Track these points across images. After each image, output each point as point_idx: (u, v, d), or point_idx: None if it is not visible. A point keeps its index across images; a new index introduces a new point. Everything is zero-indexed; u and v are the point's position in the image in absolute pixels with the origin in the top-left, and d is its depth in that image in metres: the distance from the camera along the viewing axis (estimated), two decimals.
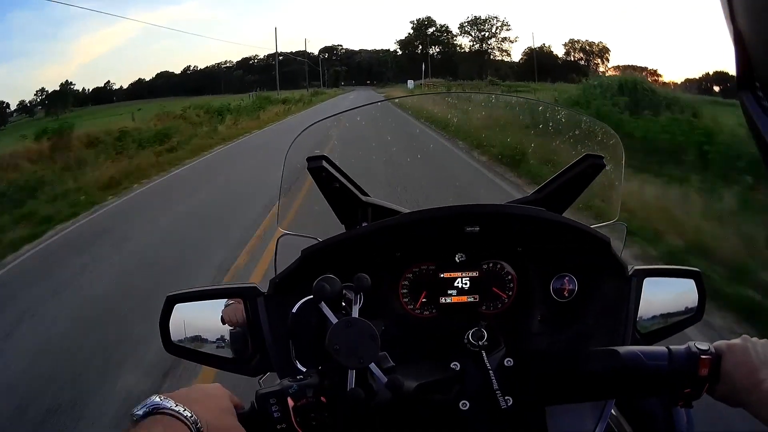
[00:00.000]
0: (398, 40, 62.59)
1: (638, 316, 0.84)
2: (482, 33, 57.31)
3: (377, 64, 62.59)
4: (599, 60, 52.99)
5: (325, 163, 0.85)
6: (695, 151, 7.02)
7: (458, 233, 0.81)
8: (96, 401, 2.48)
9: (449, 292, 0.86)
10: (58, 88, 42.10)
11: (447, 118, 10.36)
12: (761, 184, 4.92)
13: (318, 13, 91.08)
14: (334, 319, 0.61)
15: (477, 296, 0.86)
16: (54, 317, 3.56)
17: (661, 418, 0.81)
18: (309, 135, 0.93)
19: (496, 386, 0.66)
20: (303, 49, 61.82)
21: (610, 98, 11.84)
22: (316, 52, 63.85)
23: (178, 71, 58.68)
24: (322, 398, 0.60)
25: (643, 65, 49.37)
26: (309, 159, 0.85)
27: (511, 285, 0.87)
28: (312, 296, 0.63)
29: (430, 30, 59.62)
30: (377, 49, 64.80)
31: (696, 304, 0.86)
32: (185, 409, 0.51)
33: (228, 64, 61.23)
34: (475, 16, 57.92)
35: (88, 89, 48.24)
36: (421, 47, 59.42)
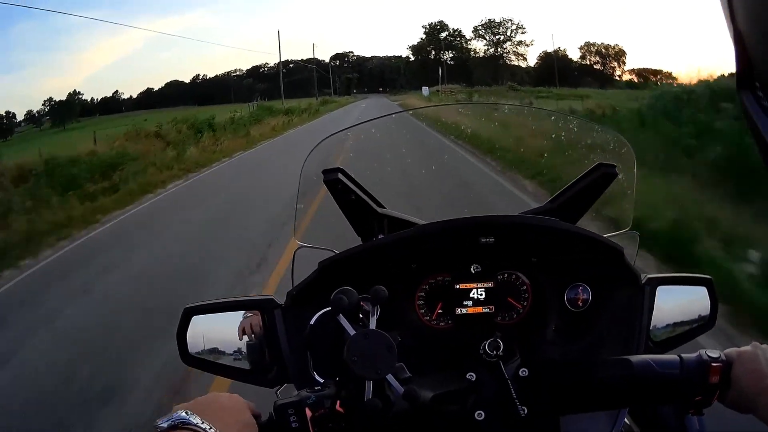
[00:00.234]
0: (410, 45, 61.41)
1: (651, 324, 0.84)
2: (497, 36, 55.82)
3: (389, 70, 62.06)
4: (615, 63, 52.21)
5: (340, 176, 0.86)
6: None
7: (473, 244, 0.82)
8: None
9: (465, 303, 0.86)
10: (65, 98, 42.19)
11: (479, 134, 8.88)
12: None
13: (329, 20, 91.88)
14: (352, 331, 0.62)
15: (492, 307, 0.86)
16: None
17: (673, 425, 0.81)
18: (324, 147, 0.93)
19: (515, 395, 0.66)
20: (313, 56, 61.09)
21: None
22: (327, 60, 63.21)
23: (187, 80, 58.53)
24: (340, 409, 0.61)
25: (653, 68, 48.39)
26: (324, 171, 0.86)
27: (526, 295, 0.87)
28: (330, 308, 0.64)
29: (443, 34, 58.22)
30: (389, 55, 64.32)
31: (708, 311, 0.86)
32: (210, 427, 0.52)
33: (238, 73, 60.68)
34: (489, 19, 56.35)
35: (97, 99, 48.45)
36: (434, 52, 58.41)
